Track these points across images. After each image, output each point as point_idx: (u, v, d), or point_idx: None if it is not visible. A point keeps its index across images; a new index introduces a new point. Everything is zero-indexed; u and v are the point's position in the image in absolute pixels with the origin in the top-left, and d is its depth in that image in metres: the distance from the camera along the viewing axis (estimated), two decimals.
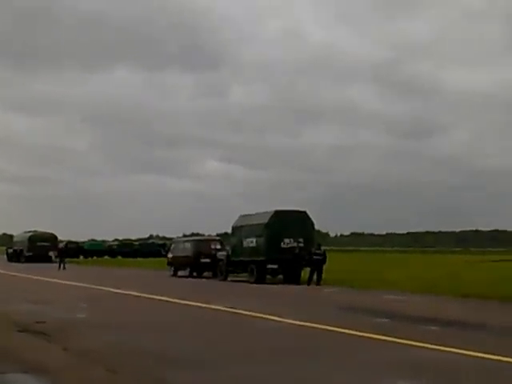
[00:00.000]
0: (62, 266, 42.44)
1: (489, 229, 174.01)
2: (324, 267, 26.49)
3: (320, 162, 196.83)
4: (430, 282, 24.79)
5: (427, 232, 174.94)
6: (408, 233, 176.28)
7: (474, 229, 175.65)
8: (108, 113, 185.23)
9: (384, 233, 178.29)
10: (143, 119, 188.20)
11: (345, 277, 28.14)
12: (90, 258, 66.69)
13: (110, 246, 77.27)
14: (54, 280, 30.37)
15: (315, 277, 26.23)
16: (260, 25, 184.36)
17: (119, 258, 67.34)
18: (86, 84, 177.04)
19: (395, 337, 11.11)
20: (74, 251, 63.10)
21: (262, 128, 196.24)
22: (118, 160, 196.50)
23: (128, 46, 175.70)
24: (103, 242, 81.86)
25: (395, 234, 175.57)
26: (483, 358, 9.31)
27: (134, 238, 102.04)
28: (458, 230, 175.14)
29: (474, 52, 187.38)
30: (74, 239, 73.59)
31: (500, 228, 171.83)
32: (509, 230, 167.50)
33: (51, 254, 58.20)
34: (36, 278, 32.81)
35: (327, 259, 26.85)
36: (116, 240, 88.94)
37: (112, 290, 23.70)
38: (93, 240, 79.31)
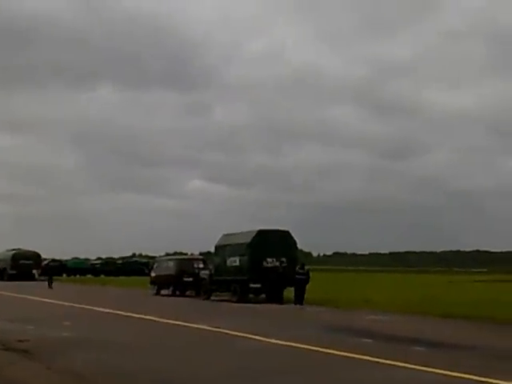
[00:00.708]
0: (50, 284, 42.16)
1: (470, 249, 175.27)
2: (307, 287, 26.56)
3: (303, 181, 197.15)
4: (412, 303, 24.90)
5: (409, 252, 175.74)
6: (390, 253, 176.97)
7: (456, 249, 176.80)
8: (92, 132, 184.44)
9: (366, 252, 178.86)
10: (127, 138, 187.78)
11: (328, 296, 28.20)
12: (72, 277, 66.28)
13: (93, 264, 76.89)
14: (38, 298, 30.15)
15: (299, 296, 26.28)
16: (242, 45, 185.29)
17: (102, 276, 66.99)
18: (70, 103, 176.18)
19: (379, 357, 11.15)
20: (58, 269, 62.67)
21: (244, 147, 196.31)
22: (101, 179, 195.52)
23: (112, 66, 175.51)
24: (86, 260, 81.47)
25: (377, 253, 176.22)
26: (467, 378, 9.37)
27: (116, 256, 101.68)
28: (439, 250, 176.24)
29: (455, 72, 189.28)
30: (57, 257, 73.11)
31: (481, 248, 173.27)
32: (490, 250, 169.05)
33: (34, 272, 57.90)
34: (20, 296, 32.53)
35: (310, 279, 26.91)
36: (99, 258, 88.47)
37: (96, 308, 23.56)
38: (76, 258, 78.88)
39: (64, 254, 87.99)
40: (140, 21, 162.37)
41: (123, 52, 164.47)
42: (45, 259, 64.67)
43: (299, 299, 26.14)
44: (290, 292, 27.03)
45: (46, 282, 43.30)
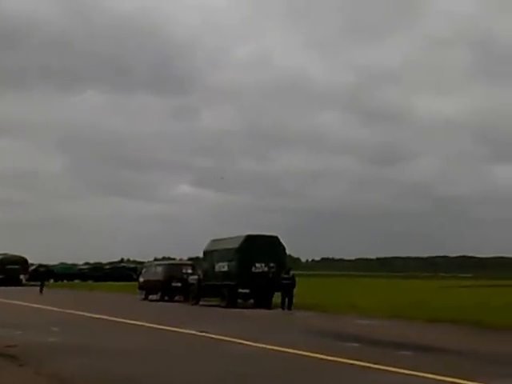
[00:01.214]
0: (41, 289, 41.94)
1: (456, 254, 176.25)
2: (294, 291, 26.66)
3: (291, 187, 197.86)
4: (399, 307, 25.00)
5: (396, 257, 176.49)
6: (377, 258, 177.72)
7: (442, 254, 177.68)
8: (78, 136, 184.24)
9: (354, 258, 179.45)
10: (114, 142, 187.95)
11: (316, 301, 28.27)
12: (60, 282, 65.97)
13: (81, 269, 76.63)
14: (25, 303, 30.03)
15: (287, 301, 26.37)
16: (230, 49, 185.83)
17: (90, 281, 66.74)
18: (57, 107, 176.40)
19: (367, 361, 11.22)
20: (46, 275, 62.45)
21: (232, 152, 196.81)
22: (88, 183, 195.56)
23: (99, 69, 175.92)
24: (74, 265, 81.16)
25: (365, 259, 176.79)
26: (454, 382, 9.45)
27: (104, 261, 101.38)
28: (426, 255, 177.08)
29: (442, 79, 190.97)
30: (44, 262, 72.82)
31: (467, 254, 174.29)
32: (476, 255, 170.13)
33: (22, 277, 57.66)
34: (7, 301, 32.34)
35: (296, 283, 27.02)
36: (87, 263, 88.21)
37: (84, 313, 23.49)
38: (63, 263, 78.56)
39: (51, 259, 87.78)
40: (127, 25, 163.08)
41: (110, 56, 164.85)
42: (32, 264, 64.36)
43: (288, 304, 26.23)
44: (278, 297, 27.10)
45: (34, 287, 43.16)
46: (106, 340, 15.46)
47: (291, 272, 27.51)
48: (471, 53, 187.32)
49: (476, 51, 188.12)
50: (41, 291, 41.66)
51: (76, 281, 68.39)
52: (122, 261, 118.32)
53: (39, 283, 44.27)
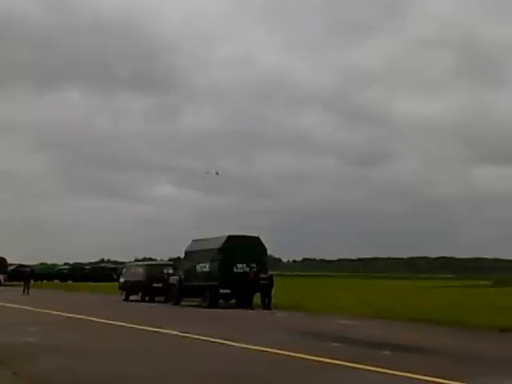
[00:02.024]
0: (26, 290, 41.29)
1: (436, 255, 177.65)
2: (272, 291, 26.76)
3: (272, 187, 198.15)
4: (380, 307, 25.13)
5: (377, 258, 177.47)
6: (358, 258, 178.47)
7: (423, 255, 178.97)
8: (59, 135, 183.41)
9: (335, 258, 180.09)
10: (95, 142, 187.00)
11: (297, 301, 28.32)
12: (40, 282, 65.49)
13: (61, 269, 76.14)
14: (3, 304, 29.76)
15: (266, 301, 26.47)
16: (212, 49, 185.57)
17: (70, 282, 66.36)
18: (38, 106, 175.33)
19: (348, 361, 11.25)
20: (29, 275, 61.99)
21: (214, 153, 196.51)
22: (69, 183, 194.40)
23: (79, 68, 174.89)
24: (54, 265, 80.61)
25: (346, 259, 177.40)
26: (433, 381, 9.50)
27: (85, 261, 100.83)
28: (406, 256, 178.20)
29: (424, 80, 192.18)
30: (24, 263, 72.20)
31: (447, 255, 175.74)
32: (455, 256, 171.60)
33: (1, 277, 57.21)
34: None
35: (274, 283, 27.13)
36: (67, 264, 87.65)
37: (63, 314, 23.35)
38: (43, 264, 78.04)
39: (31, 259, 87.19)
40: (108, 23, 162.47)
41: (91, 54, 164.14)
42: (11, 264, 63.83)
43: (267, 304, 26.32)
44: (258, 298, 27.15)
45: (14, 288, 42.66)
46: (86, 340, 15.35)
47: (269, 272, 27.63)
48: (453, 54, 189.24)
49: (458, 53, 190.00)
50: (24, 292, 41.10)
51: (55, 281, 67.94)
52: (102, 261, 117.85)
53: (22, 283, 43.67)
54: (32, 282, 63.54)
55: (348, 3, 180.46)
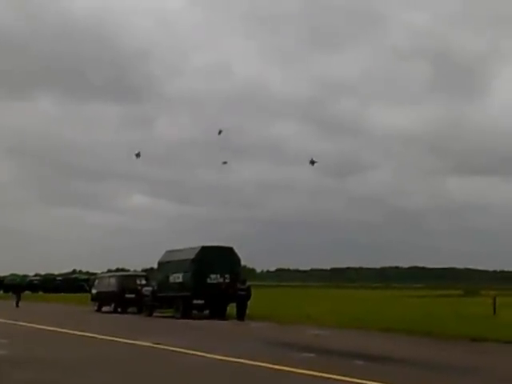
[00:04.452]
0: (17, 302, 40.49)
1: (408, 265, 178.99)
2: (248, 302, 26.77)
3: (246, 198, 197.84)
4: (353, 317, 25.27)
5: (349, 268, 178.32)
6: (331, 268, 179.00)
7: (394, 265, 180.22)
8: (30, 144, 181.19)
9: (308, 268, 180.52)
10: (67, 151, 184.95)
11: (271, 312, 28.38)
12: (10, 293, 64.64)
13: (32, 280, 75.34)
14: None
15: (241, 311, 26.46)
16: (187, 57, 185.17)
17: (41, 293, 65.64)
18: (6, 113, 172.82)
19: (321, 371, 11.30)
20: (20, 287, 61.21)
21: (188, 163, 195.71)
22: (40, 193, 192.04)
23: (52, 76, 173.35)
24: (24, 276, 79.73)
25: (319, 269, 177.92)
26: None
27: (56, 272, 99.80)
28: (378, 266, 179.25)
29: (400, 91, 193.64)
30: None
31: (419, 264, 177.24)
32: (427, 266, 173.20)
33: None
34: None
35: (252, 294, 27.12)
36: (37, 275, 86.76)
37: (34, 325, 23.11)
38: (13, 274, 77.12)
39: (0, 269, 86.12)
40: (82, 30, 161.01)
41: (63, 61, 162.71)
42: None
43: (241, 315, 26.33)
44: (233, 308, 27.14)
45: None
46: (56, 352, 15.19)
47: (247, 283, 27.63)
48: (429, 65, 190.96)
49: (433, 63, 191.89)
50: (17, 304, 40.17)
51: (26, 292, 67.09)
52: (74, 272, 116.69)
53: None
54: (2, 292, 63.19)
55: (325, 13, 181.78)
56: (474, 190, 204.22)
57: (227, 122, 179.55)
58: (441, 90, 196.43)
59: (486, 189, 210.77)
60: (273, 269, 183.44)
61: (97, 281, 38.51)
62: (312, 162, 32.24)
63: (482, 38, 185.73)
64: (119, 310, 33.77)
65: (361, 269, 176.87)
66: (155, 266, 32.10)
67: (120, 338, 18.05)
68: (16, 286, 48.40)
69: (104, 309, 34.62)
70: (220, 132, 34.36)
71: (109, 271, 71.05)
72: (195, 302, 27.95)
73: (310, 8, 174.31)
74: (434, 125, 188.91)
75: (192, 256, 28.33)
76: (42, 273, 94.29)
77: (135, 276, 36.61)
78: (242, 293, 26.74)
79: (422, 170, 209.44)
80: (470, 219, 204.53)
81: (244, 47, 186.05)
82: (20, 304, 40.62)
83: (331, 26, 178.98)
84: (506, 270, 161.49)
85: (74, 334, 19.84)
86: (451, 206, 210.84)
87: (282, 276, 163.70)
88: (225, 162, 39.52)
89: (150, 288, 31.02)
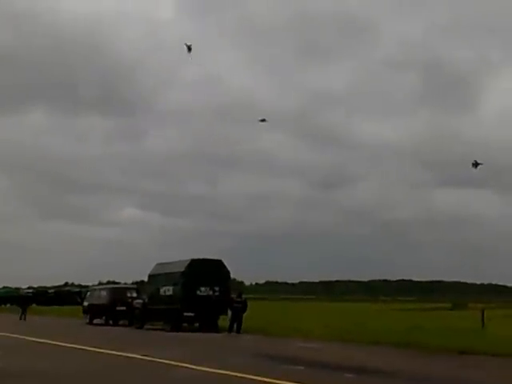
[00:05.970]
0: (23, 316, 40.09)
1: (396, 278, 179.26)
2: (244, 315, 26.88)
3: (236, 210, 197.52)
4: (342, 330, 25.43)
5: (338, 281, 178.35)
6: (320, 281, 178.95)
7: (383, 278, 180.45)
8: (22, 157, 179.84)
9: (297, 281, 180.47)
10: (58, 164, 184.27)
11: (260, 325, 28.50)
12: (3, 306, 64.65)
13: (24, 293, 75.13)
14: None
15: (236, 324, 26.52)
16: (177, 70, 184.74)
17: (33, 305, 65.39)
18: None
19: None
20: (29, 299, 60.91)
21: (179, 175, 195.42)
22: (32, 206, 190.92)
23: (43, 89, 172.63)
24: (16, 289, 79.60)
25: (308, 282, 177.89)
26: None
27: (49, 285, 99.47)
28: (367, 279, 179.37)
29: (388, 103, 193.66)
30: None
31: (406, 278, 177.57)
32: (415, 279, 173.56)
33: None
34: None
35: (248, 307, 27.22)
36: (30, 288, 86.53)
37: (26, 337, 23.20)
38: (6, 287, 77.03)
39: None
40: (73, 43, 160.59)
41: (55, 75, 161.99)
42: None
43: (237, 328, 26.37)
44: (224, 320, 27.27)
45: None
46: (47, 364, 15.25)
47: (243, 296, 27.81)
48: (417, 77, 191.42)
49: (421, 75, 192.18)
50: (21, 317, 39.80)
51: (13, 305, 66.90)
52: (66, 285, 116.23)
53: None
54: None
55: (313, 24, 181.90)
56: (462, 203, 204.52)
57: (217, 133, 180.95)
58: (430, 101, 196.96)
59: (474, 202, 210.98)
60: (262, 281, 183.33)
61: (88, 293, 38.59)
62: (475, 165, 29.62)
63: (471, 50, 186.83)
64: (110, 322, 33.84)
65: (349, 282, 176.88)
66: (146, 278, 32.23)
67: (110, 350, 18.14)
68: (23, 298, 47.71)
69: (95, 321, 34.67)
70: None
71: (100, 284, 71.07)
72: (185, 314, 28.10)
73: (299, 19, 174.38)
74: (423, 136, 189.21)
75: (182, 269, 28.50)
76: (35, 285, 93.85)
77: (126, 288, 36.71)
78: (237, 305, 26.82)
79: (409, 182, 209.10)
80: (457, 232, 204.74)
81: (233, 59, 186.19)
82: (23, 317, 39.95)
83: (320, 37, 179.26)
84: (493, 282, 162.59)
85: (64, 346, 19.94)
86: (439, 219, 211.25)
87: (271, 289, 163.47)
88: (263, 120, 38.88)
89: (140, 300, 31.13)
